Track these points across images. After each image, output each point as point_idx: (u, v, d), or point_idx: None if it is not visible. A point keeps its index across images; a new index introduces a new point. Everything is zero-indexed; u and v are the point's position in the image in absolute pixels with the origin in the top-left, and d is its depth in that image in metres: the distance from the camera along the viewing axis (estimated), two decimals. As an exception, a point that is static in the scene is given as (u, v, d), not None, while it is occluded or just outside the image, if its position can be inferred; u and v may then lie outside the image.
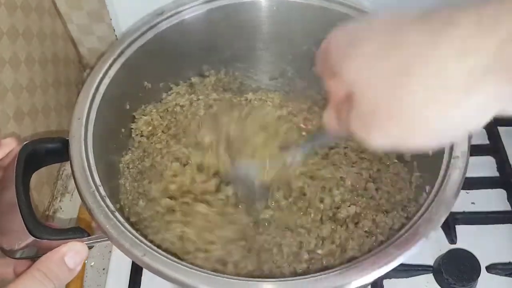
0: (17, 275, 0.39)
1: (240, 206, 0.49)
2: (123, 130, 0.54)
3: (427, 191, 0.43)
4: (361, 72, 0.28)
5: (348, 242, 0.46)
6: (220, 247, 0.45)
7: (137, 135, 0.55)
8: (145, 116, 0.56)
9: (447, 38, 0.25)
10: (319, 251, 0.45)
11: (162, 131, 0.55)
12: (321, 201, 0.49)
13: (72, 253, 0.38)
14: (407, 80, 0.26)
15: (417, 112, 0.26)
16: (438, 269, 0.53)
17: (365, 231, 0.47)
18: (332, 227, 0.47)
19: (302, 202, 0.50)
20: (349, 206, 0.49)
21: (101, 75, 0.50)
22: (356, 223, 0.48)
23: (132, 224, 0.45)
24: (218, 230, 0.46)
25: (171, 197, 0.49)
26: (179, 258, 0.43)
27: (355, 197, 0.50)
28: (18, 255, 0.38)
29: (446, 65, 0.25)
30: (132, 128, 0.55)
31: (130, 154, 0.54)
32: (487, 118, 0.26)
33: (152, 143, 0.54)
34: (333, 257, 0.45)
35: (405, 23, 0.27)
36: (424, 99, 0.26)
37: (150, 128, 0.55)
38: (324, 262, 0.45)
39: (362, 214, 0.48)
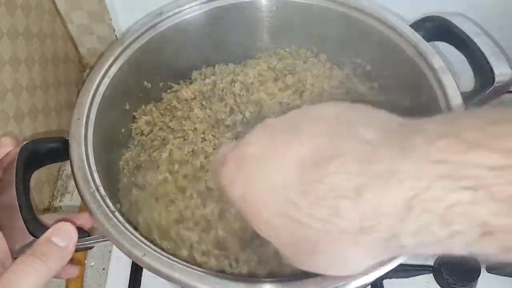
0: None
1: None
2: (123, 130, 0.54)
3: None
4: (271, 226, 0.28)
5: None
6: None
7: (137, 134, 0.55)
8: (145, 116, 0.56)
9: (339, 230, 0.25)
10: None
11: (160, 128, 0.55)
12: None
13: (58, 232, 0.37)
14: (314, 251, 0.27)
15: (326, 270, 0.30)
16: (438, 269, 0.53)
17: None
18: None
19: None
20: None
21: (101, 75, 0.49)
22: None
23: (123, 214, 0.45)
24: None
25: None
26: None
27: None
28: (18, 255, 0.38)
29: (343, 251, 0.27)
30: (132, 128, 0.55)
31: (130, 152, 0.54)
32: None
33: (148, 140, 0.54)
34: None
35: (295, 182, 0.26)
36: (328, 265, 0.29)
37: (150, 127, 0.55)
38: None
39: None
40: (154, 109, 0.56)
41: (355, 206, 0.24)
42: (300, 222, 0.26)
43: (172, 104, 0.57)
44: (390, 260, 0.27)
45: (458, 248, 0.23)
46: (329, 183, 0.25)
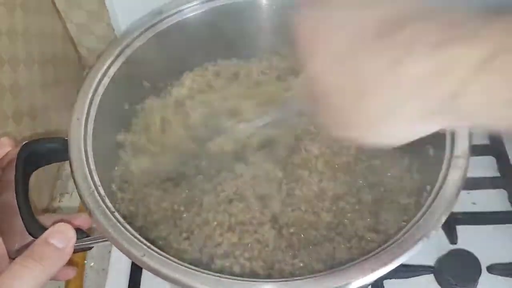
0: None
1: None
2: (122, 130, 0.54)
3: (428, 190, 0.43)
4: (328, 70, 0.29)
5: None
6: None
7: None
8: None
9: (402, 75, 0.25)
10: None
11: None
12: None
13: (56, 233, 0.36)
14: (367, 94, 0.27)
15: (371, 121, 0.28)
16: (439, 270, 0.53)
17: (365, 231, 0.47)
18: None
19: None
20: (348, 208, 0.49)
21: (100, 74, 0.49)
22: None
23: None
24: None
25: None
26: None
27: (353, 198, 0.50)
28: (16, 255, 0.38)
29: (397, 98, 0.26)
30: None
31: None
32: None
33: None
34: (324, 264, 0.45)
35: (371, 35, 0.27)
36: (377, 113, 0.28)
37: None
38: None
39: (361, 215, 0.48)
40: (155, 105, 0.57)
41: (430, 54, 0.24)
42: (365, 58, 0.26)
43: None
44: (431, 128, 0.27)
45: None
46: (406, 34, 0.25)
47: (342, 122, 0.29)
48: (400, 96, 0.26)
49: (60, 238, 0.36)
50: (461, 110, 0.25)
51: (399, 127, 0.28)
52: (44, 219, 0.41)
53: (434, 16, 0.26)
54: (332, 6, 0.29)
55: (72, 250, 0.37)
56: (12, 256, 0.38)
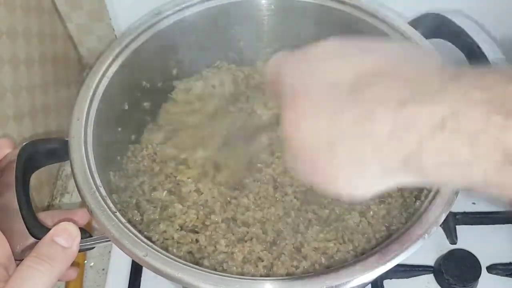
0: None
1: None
2: (119, 129, 0.54)
3: (427, 187, 0.43)
4: (302, 124, 0.29)
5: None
6: None
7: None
8: None
9: (367, 132, 0.26)
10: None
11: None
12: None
13: (60, 232, 0.36)
14: (336, 148, 0.28)
15: (339, 174, 0.29)
16: (438, 270, 0.53)
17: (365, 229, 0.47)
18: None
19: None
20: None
21: (99, 75, 0.49)
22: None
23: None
24: None
25: None
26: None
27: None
28: (19, 257, 0.38)
29: (362, 154, 0.27)
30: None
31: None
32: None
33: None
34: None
35: (345, 91, 0.28)
36: (344, 167, 0.28)
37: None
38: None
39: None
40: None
41: (392, 113, 0.25)
42: (337, 115, 0.27)
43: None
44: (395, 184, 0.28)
45: (477, 175, 0.24)
46: (375, 91, 0.26)
47: (314, 172, 0.30)
48: (364, 153, 0.27)
49: (65, 236, 0.36)
50: (423, 168, 0.25)
51: (364, 181, 0.28)
52: (42, 215, 0.41)
53: (404, 71, 0.27)
54: (310, 58, 0.31)
55: (78, 249, 0.37)
56: (16, 257, 0.38)
